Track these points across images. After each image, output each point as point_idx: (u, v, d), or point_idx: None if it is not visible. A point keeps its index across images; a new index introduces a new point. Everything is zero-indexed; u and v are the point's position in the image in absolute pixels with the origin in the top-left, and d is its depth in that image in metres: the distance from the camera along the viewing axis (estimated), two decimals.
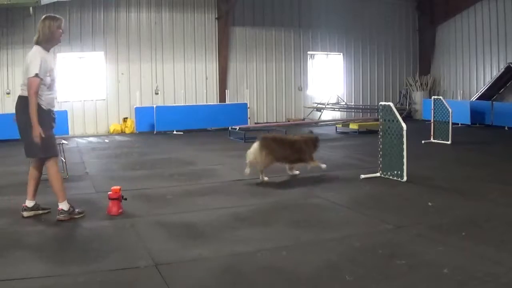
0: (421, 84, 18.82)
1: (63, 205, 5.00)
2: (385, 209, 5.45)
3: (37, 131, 4.72)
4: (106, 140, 13.28)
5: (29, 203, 5.19)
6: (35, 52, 4.86)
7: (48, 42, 4.96)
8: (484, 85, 16.59)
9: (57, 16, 5.07)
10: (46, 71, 4.82)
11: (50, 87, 4.93)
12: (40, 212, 5.22)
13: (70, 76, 14.82)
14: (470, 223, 4.86)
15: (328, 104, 17.68)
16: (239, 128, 13.34)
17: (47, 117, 4.91)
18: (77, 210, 5.09)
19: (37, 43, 4.92)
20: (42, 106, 4.84)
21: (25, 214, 5.09)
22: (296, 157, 7.26)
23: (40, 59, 4.78)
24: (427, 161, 8.78)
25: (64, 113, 13.54)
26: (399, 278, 3.50)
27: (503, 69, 15.75)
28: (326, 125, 16.33)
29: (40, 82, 4.75)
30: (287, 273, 3.64)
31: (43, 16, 5.01)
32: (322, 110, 17.58)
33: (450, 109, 10.86)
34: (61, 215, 4.98)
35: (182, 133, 14.37)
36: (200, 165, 8.74)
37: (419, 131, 12.09)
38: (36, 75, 4.71)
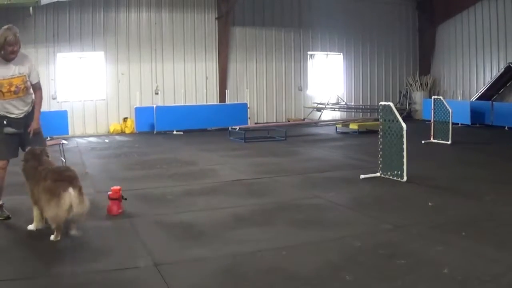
0: (421, 84, 18.82)
1: None
2: (385, 209, 5.46)
3: None
4: (106, 140, 13.27)
5: None
6: None
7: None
8: (484, 85, 16.58)
9: (12, 29, 4.92)
10: None
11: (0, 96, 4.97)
12: None
13: (70, 76, 14.82)
14: (470, 223, 4.86)
15: (328, 104, 17.68)
16: (239, 128, 13.34)
17: None
18: None
19: None
20: None
21: None
22: None
23: None
24: (427, 161, 8.78)
25: (64, 113, 13.55)
26: (399, 278, 3.50)
27: (503, 69, 15.75)
28: (326, 125, 16.34)
29: None
30: (287, 273, 3.64)
31: (6, 26, 4.97)
32: (322, 110, 17.58)
33: (450, 109, 10.87)
34: None
35: (182, 133, 14.36)
36: (200, 165, 8.73)
37: (419, 131, 12.09)
38: None
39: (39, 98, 5.32)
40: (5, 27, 4.93)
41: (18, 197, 5.57)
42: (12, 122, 5.08)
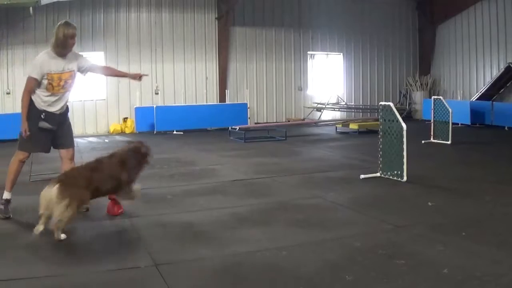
0: (421, 84, 18.84)
1: (5, 195, 5.20)
2: (385, 209, 5.45)
3: (23, 126, 5.06)
4: (106, 140, 13.29)
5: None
6: (39, 54, 5.16)
7: (57, 47, 5.05)
8: (484, 85, 16.59)
9: (70, 23, 5.11)
10: (42, 74, 5.02)
11: (50, 89, 5.08)
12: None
13: None
14: (470, 223, 4.85)
15: (328, 104, 17.69)
16: (239, 128, 13.35)
17: (35, 115, 5.11)
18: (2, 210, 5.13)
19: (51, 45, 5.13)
20: (35, 104, 5.11)
21: None
22: (110, 186, 4.86)
23: (38, 62, 5.05)
24: (427, 161, 8.78)
25: None
26: (399, 278, 3.50)
27: (503, 69, 15.76)
28: (326, 125, 16.35)
29: (33, 83, 5.03)
30: (287, 273, 3.64)
31: (62, 21, 5.15)
32: (322, 110, 17.59)
33: (450, 109, 10.87)
34: None
35: (182, 133, 14.37)
36: (200, 165, 8.73)
37: (419, 131, 12.10)
38: (29, 76, 5.04)
39: (105, 67, 5.81)
40: (61, 22, 5.10)
41: (19, 197, 5.56)
42: (49, 117, 5.15)
